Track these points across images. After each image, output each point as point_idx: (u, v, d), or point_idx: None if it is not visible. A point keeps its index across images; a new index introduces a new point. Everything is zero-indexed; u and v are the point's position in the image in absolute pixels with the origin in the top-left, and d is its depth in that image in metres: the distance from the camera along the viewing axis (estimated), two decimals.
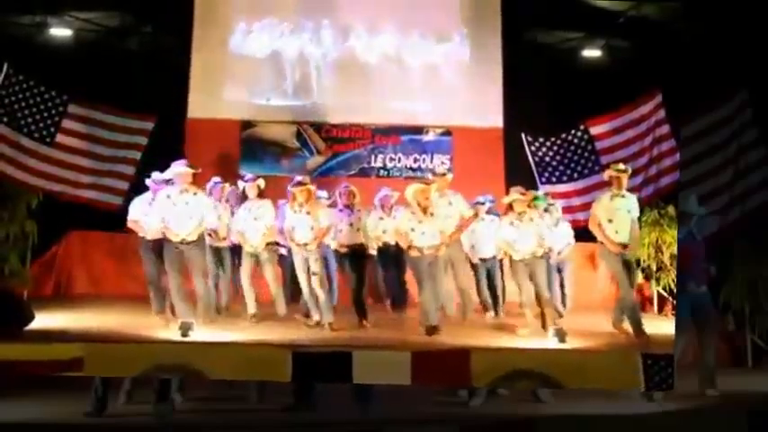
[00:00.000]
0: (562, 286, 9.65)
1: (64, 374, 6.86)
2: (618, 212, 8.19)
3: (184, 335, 7.52)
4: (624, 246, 8.14)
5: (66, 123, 10.29)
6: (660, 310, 10.72)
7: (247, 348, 7.34)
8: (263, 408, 7.67)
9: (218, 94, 12.28)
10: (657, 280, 10.76)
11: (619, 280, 8.29)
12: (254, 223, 8.67)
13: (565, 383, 6.93)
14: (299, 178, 8.46)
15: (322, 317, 8.28)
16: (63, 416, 7.16)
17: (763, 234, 9.18)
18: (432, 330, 8.03)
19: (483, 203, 9.42)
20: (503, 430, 7.15)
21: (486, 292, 9.50)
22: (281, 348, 7.08)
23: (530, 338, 7.86)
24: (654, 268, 10.73)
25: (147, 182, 8.87)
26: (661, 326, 8.74)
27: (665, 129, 10.62)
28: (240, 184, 9.08)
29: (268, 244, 8.72)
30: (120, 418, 7.28)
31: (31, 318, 7.80)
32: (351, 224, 8.80)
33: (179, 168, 8.05)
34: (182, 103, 11.99)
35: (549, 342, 7.57)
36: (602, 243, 8.24)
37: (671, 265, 10.43)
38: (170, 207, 8.00)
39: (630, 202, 8.28)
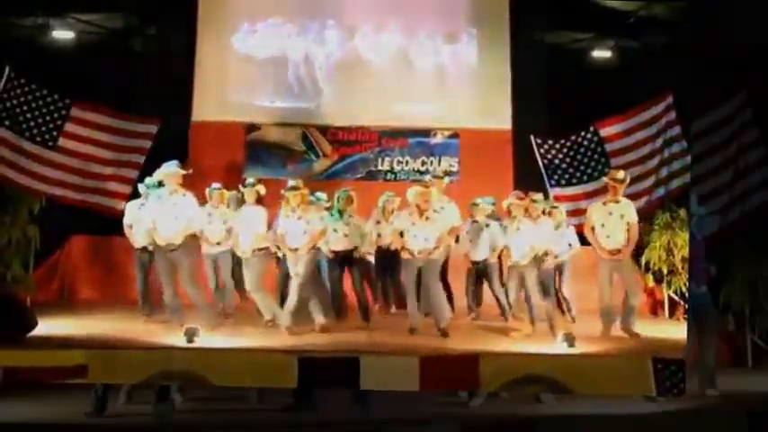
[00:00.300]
0: (562, 289, 9.57)
1: (68, 382, 6.86)
2: (611, 217, 8.28)
3: (190, 340, 7.47)
4: (616, 251, 8.20)
5: (69, 127, 10.26)
6: (671, 313, 10.60)
7: (253, 354, 7.35)
8: (263, 408, 7.69)
9: (223, 96, 12.20)
10: (669, 283, 10.64)
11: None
12: (245, 228, 8.54)
13: (574, 388, 6.92)
14: (292, 183, 8.44)
15: (282, 319, 8.24)
16: (63, 416, 7.20)
17: (763, 234, 9.14)
18: (412, 331, 8.18)
19: (477, 204, 9.39)
20: (503, 430, 7.17)
21: (471, 294, 9.52)
22: (287, 354, 7.06)
23: (523, 341, 7.93)
24: (665, 271, 10.61)
25: (140, 186, 8.90)
26: (672, 330, 8.74)
27: (675, 130, 10.52)
28: (241, 189, 9.01)
29: (260, 249, 8.51)
30: (120, 418, 7.33)
31: (34, 324, 7.78)
32: (338, 229, 8.79)
33: (168, 168, 8.07)
34: (185, 106, 11.98)
35: (559, 347, 7.54)
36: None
37: (682, 268, 10.34)
38: (159, 208, 8.04)
39: (625, 207, 8.33)
